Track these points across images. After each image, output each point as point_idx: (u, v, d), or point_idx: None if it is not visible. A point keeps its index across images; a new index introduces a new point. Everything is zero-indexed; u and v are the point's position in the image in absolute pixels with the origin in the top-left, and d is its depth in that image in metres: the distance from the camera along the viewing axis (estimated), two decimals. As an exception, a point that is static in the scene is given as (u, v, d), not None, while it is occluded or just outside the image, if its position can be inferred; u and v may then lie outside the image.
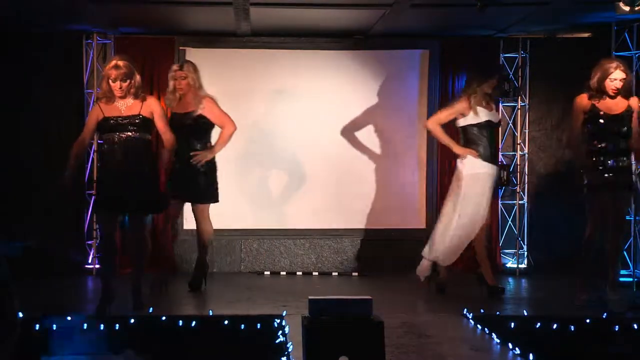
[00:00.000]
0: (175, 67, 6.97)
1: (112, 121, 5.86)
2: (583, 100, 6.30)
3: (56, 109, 8.02)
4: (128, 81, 5.84)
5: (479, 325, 5.62)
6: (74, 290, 7.38)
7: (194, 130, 6.81)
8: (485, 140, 6.79)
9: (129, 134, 5.85)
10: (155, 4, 7.09)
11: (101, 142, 6.27)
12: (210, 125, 6.98)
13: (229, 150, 8.39)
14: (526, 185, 8.65)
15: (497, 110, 7.33)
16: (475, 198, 6.75)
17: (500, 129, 7.67)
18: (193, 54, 8.49)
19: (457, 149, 6.86)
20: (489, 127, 6.88)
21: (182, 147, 6.60)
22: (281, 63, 8.59)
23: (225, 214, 8.38)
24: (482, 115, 6.79)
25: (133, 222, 6.00)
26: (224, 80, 8.51)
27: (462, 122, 6.84)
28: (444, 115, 6.95)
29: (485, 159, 6.75)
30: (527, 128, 8.78)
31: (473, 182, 6.74)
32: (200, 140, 6.89)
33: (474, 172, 6.75)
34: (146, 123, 5.93)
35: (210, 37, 8.46)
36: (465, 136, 6.86)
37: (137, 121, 5.87)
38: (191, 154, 6.73)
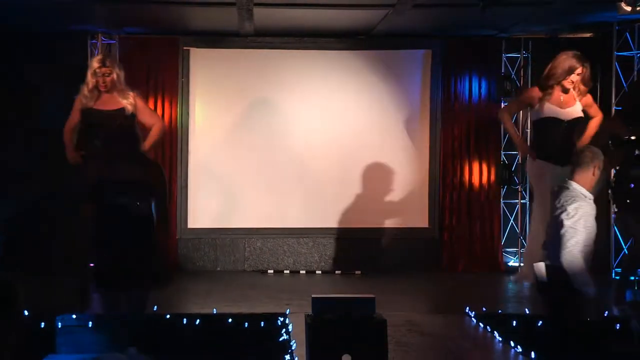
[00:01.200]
0: (95, 63, 6.24)
1: (111, 186, 5.22)
2: None
3: (61, 108, 8.00)
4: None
5: (481, 324, 5.62)
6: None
7: (125, 128, 6.18)
8: (552, 137, 6.50)
9: (126, 200, 5.19)
10: (159, 4, 7.12)
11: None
12: (136, 124, 6.47)
13: (232, 150, 8.45)
14: (528, 185, 8.64)
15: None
16: (542, 200, 6.42)
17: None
18: (197, 54, 8.54)
19: (519, 146, 6.66)
20: (559, 124, 6.56)
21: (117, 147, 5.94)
22: (284, 63, 8.61)
23: (229, 213, 8.43)
24: (548, 110, 6.53)
25: (134, 299, 5.40)
26: (228, 80, 8.57)
27: (532, 117, 6.62)
28: (513, 105, 6.74)
29: (548, 158, 6.50)
30: (528, 128, 8.77)
31: (537, 184, 6.57)
32: (135, 138, 6.25)
33: (537, 172, 6.57)
34: (146, 190, 5.24)
35: (214, 38, 8.49)
36: (533, 131, 6.62)
37: (135, 187, 5.23)
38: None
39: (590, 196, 5.15)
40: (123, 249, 5.09)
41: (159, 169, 5.32)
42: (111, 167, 5.09)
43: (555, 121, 6.56)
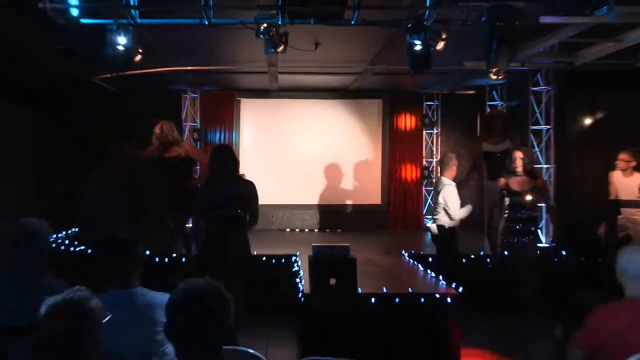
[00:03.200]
0: (157, 130, 5.72)
1: (216, 200, 4.20)
2: None
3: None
4: None
5: (411, 260, 5.65)
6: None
7: (184, 167, 5.93)
8: (494, 161, 6.18)
9: (225, 212, 4.20)
10: (222, 73, 7.10)
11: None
12: (191, 160, 6.09)
13: (265, 158, 8.45)
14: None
15: (504, 141, 6.32)
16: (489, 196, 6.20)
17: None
18: (245, 102, 8.54)
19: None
20: (491, 155, 6.33)
21: (175, 180, 5.76)
22: (297, 107, 8.58)
23: (264, 195, 8.41)
24: (485, 147, 6.37)
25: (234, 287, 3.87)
26: (263, 117, 8.55)
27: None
28: (480, 145, 6.61)
29: (494, 174, 6.01)
30: (439, 145, 8.83)
31: (486, 187, 6.38)
32: (187, 172, 6.04)
33: (487, 184, 6.41)
34: (243, 201, 4.24)
35: (255, 92, 8.45)
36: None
37: (235, 201, 4.22)
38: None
39: (454, 183, 5.20)
40: (227, 247, 4.15)
41: (254, 186, 4.31)
42: (219, 188, 4.16)
43: (491, 154, 6.37)
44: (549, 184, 6.62)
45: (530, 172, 4.81)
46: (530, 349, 4.58)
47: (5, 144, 6.08)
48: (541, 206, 4.86)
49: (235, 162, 4.24)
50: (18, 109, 6.29)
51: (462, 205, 5.20)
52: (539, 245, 5.10)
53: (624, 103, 6.48)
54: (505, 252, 4.83)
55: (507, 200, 4.83)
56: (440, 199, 5.23)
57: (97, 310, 1.77)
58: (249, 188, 4.25)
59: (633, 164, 5.51)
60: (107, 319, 1.82)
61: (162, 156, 5.87)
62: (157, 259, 5.40)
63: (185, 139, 7.79)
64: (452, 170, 5.26)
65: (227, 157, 4.23)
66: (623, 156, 5.54)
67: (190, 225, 4.80)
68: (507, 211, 4.83)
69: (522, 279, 4.69)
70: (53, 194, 6.30)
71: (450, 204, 5.17)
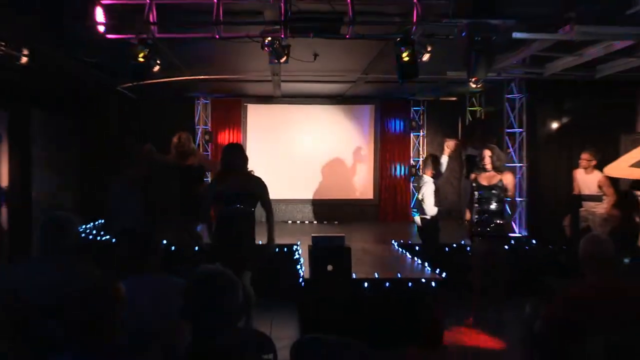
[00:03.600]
0: (175, 140, 5.49)
1: (226, 194, 4.03)
2: None
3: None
4: None
5: (400, 249, 5.68)
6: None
7: (197, 175, 5.77)
8: (477, 162, 5.87)
9: (239, 206, 4.04)
10: (232, 81, 7.09)
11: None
12: (203, 166, 5.93)
13: (269, 156, 8.45)
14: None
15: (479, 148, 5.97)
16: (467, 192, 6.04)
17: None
18: (251, 107, 8.53)
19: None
20: (471, 158, 6.21)
21: (187, 185, 5.56)
22: (298, 111, 8.57)
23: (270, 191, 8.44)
24: (470, 151, 6.26)
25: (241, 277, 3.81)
26: (267, 121, 8.54)
27: None
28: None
29: (473, 170, 5.82)
30: (425, 146, 8.85)
31: (463, 185, 6.37)
32: (199, 179, 5.84)
33: (464, 183, 6.38)
34: (252, 195, 4.12)
35: (260, 98, 8.43)
36: None
37: (244, 194, 4.07)
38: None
39: (432, 180, 5.30)
40: (235, 240, 3.96)
41: (262, 181, 4.13)
42: (229, 183, 3.99)
43: (470, 157, 6.28)
44: (522, 180, 6.69)
45: (498, 169, 4.81)
46: (503, 324, 4.62)
47: (54, 147, 6.11)
48: (508, 200, 4.87)
49: (245, 159, 4.11)
50: (61, 118, 6.34)
51: (442, 202, 5.28)
52: (510, 235, 5.14)
53: (586, 109, 6.66)
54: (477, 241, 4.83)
55: (476, 194, 4.83)
56: (420, 195, 5.31)
57: (123, 292, 1.79)
58: (259, 183, 4.12)
59: (594, 162, 5.56)
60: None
61: (181, 164, 5.76)
62: (173, 248, 5.40)
63: (197, 144, 7.78)
64: (433, 169, 5.36)
65: (238, 153, 4.10)
66: (585, 156, 5.60)
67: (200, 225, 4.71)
68: (477, 204, 4.82)
69: (493, 266, 4.73)
70: (83, 190, 6.31)
71: (426, 200, 5.29)
